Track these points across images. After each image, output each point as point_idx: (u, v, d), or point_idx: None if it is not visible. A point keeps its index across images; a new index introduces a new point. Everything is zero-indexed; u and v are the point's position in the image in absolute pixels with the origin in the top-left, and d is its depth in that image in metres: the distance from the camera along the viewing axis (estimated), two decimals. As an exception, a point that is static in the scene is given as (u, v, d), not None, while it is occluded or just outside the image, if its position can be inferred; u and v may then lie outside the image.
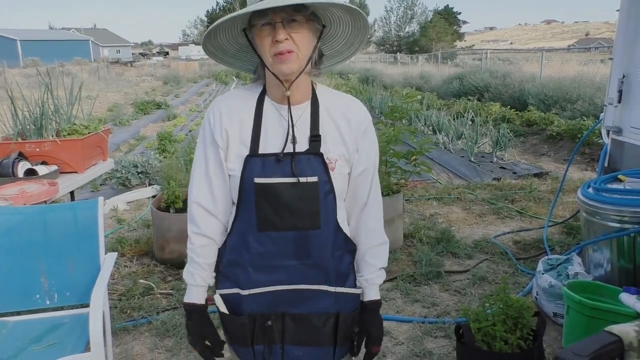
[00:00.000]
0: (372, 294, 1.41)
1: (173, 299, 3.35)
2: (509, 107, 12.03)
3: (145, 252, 4.10)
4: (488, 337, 2.21)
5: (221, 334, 1.43)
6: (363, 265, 1.41)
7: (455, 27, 58.06)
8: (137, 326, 3.05)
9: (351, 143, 1.33)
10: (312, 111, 1.32)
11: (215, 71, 33.25)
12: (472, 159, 7.78)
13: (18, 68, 36.21)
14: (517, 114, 11.18)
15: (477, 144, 8.20)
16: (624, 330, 1.42)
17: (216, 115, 1.32)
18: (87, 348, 2.03)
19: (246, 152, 1.29)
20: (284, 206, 1.26)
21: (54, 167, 3.47)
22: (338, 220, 1.33)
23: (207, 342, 1.38)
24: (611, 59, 4.05)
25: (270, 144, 1.29)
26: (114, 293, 3.43)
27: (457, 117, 10.17)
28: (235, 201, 1.32)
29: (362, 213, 1.39)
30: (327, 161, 1.29)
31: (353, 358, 1.47)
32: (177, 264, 3.73)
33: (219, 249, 1.37)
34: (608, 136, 3.98)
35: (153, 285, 3.51)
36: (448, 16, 56.45)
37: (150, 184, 6.22)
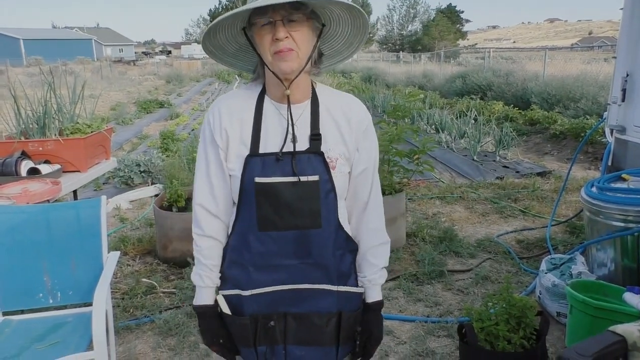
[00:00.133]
0: (375, 294, 1.41)
1: (176, 298, 3.35)
2: (512, 105, 12.00)
3: (148, 251, 4.11)
4: (491, 336, 2.21)
5: None
6: (365, 265, 1.40)
7: (458, 25, 57.91)
8: (139, 325, 3.05)
9: (351, 142, 1.33)
10: (312, 110, 1.32)
11: (218, 70, 33.25)
12: (475, 157, 7.76)
13: (21, 67, 36.29)
14: (520, 112, 11.15)
15: (480, 142, 8.18)
16: (628, 330, 1.42)
17: (216, 116, 1.32)
18: (90, 347, 2.04)
19: (246, 151, 1.28)
20: (284, 205, 1.26)
21: (57, 166, 3.48)
22: (339, 219, 1.33)
23: (222, 341, 1.38)
24: (615, 57, 4.03)
25: (271, 143, 1.29)
26: (116, 292, 3.43)
27: (459, 116, 10.16)
28: (236, 201, 1.32)
29: (364, 213, 1.39)
30: (327, 160, 1.29)
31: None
32: (180, 262, 3.73)
33: (223, 248, 1.37)
34: (612, 135, 3.97)
35: (156, 284, 3.51)
36: (451, 15, 56.31)
37: (152, 183, 6.23)
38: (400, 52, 43.79)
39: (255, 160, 1.27)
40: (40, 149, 3.53)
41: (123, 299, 3.35)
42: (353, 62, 34.83)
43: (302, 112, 1.32)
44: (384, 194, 4.01)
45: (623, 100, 3.81)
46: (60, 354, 2.00)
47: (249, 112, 1.32)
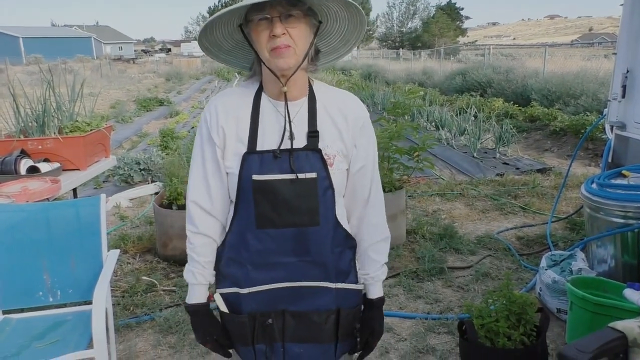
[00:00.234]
0: (377, 290, 1.42)
1: (176, 296, 3.35)
2: (512, 102, 11.99)
3: (148, 249, 4.11)
4: (491, 333, 2.21)
5: None
6: (367, 261, 1.40)
7: (458, 22, 57.81)
8: (140, 323, 3.05)
9: (349, 139, 1.33)
10: (309, 107, 1.32)
11: (218, 68, 33.22)
12: (475, 154, 7.76)
13: (21, 65, 36.26)
14: (520, 109, 11.14)
15: (480, 139, 8.18)
16: (628, 326, 1.42)
17: (212, 114, 1.31)
18: (90, 345, 2.04)
19: (243, 149, 1.28)
20: (282, 203, 1.26)
21: (56, 165, 3.47)
22: (337, 216, 1.32)
23: (215, 338, 1.38)
24: (615, 53, 4.02)
25: (268, 140, 1.28)
26: (117, 290, 3.44)
27: (459, 113, 10.15)
28: (233, 199, 1.31)
29: (365, 209, 1.39)
30: (325, 157, 1.28)
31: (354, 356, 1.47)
32: (180, 260, 3.73)
33: (218, 248, 1.37)
34: (612, 131, 3.96)
35: (156, 282, 3.51)
36: (450, 12, 56.20)
37: (152, 181, 6.23)
38: (400, 49, 43.74)
39: (252, 157, 1.26)
40: (40, 147, 3.53)
41: (123, 297, 3.35)
42: (353, 59, 34.80)
43: (299, 109, 1.31)
44: (384, 191, 3.99)
45: (623, 96, 3.80)
46: (60, 353, 1.99)
47: (245, 109, 1.31)
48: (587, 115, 8.89)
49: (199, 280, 1.35)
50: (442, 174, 6.79)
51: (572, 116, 9.28)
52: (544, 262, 3.21)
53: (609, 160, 3.95)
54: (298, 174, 1.25)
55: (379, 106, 13.37)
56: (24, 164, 3.32)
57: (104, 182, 6.53)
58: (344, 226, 1.35)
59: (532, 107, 10.98)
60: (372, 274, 1.40)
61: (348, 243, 1.37)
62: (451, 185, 5.98)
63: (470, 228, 4.57)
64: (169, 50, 79.29)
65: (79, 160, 3.62)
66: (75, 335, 2.18)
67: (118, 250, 2.53)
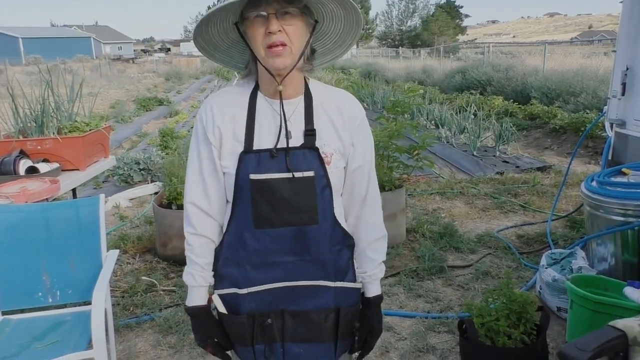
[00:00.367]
0: (375, 289, 1.42)
1: (176, 296, 3.35)
2: (511, 100, 11.99)
3: (147, 249, 4.11)
4: (491, 332, 2.21)
5: None
6: (364, 260, 1.40)
7: (458, 20, 57.76)
8: (140, 323, 3.05)
9: (346, 137, 1.33)
10: (305, 105, 1.31)
11: (217, 67, 33.15)
12: (474, 153, 7.75)
13: (20, 66, 36.24)
14: (519, 107, 11.14)
15: (479, 138, 8.17)
16: (628, 324, 1.41)
17: (208, 113, 1.31)
18: (89, 345, 2.03)
19: (240, 148, 1.27)
20: (280, 202, 1.25)
21: (56, 165, 3.47)
22: (335, 215, 1.32)
23: (215, 340, 1.37)
24: (614, 51, 4.01)
25: (265, 139, 1.28)
26: (116, 290, 3.43)
27: (459, 111, 10.14)
28: (230, 199, 1.31)
29: (362, 208, 1.39)
30: (322, 155, 1.28)
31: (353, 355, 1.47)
32: (180, 260, 3.72)
33: (215, 249, 1.36)
34: (612, 129, 3.96)
35: (156, 282, 3.51)
36: (450, 10, 56.15)
37: (152, 181, 6.22)
38: (400, 47, 43.70)
39: (249, 156, 1.26)
40: (39, 147, 3.52)
41: (123, 297, 3.35)
42: (352, 58, 34.77)
43: (295, 107, 1.31)
44: (383, 189, 4.01)
45: (623, 94, 3.79)
46: (60, 353, 1.99)
47: (242, 108, 1.31)
48: (587, 113, 8.88)
49: (199, 282, 1.34)
50: (442, 172, 6.79)
51: (571, 114, 9.27)
52: (544, 261, 3.20)
53: (609, 158, 3.95)
54: (295, 173, 1.25)
55: (379, 105, 13.36)
56: (23, 165, 3.31)
57: (103, 182, 6.53)
58: (342, 225, 1.35)
59: (531, 105, 10.97)
60: (370, 272, 1.40)
61: (346, 241, 1.37)
62: (451, 183, 5.98)
63: (470, 226, 4.57)
64: (169, 49, 79.26)
65: (78, 160, 3.62)
66: (75, 335, 2.18)
67: (117, 251, 2.53)
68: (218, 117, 1.30)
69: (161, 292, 3.42)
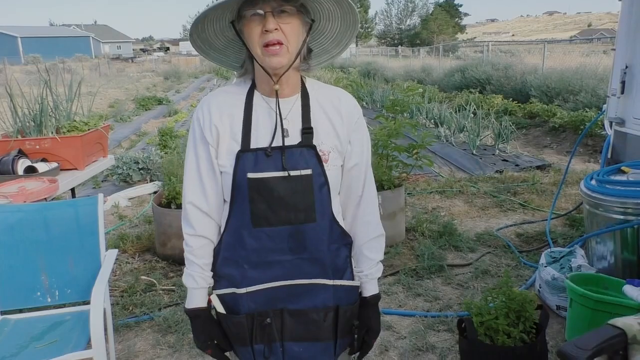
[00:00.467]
0: (372, 288, 1.41)
1: (175, 295, 3.35)
2: (511, 99, 11.98)
3: (147, 249, 4.10)
4: (491, 330, 2.20)
5: None
6: (362, 259, 1.40)
7: (457, 19, 57.79)
8: (139, 323, 3.05)
9: (343, 135, 1.33)
10: (302, 104, 1.31)
11: (216, 66, 32.79)
12: (474, 151, 7.75)
13: (19, 65, 36.21)
14: (519, 106, 11.13)
15: (479, 136, 8.16)
16: (628, 323, 1.41)
17: (205, 113, 1.30)
18: (89, 345, 2.03)
19: (237, 147, 1.27)
20: (278, 200, 1.25)
21: (54, 164, 3.46)
22: (333, 213, 1.32)
23: (216, 342, 1.37)
24: (614, 49, 4.01)
25: (262, 138, 1.28)
26: (116, 290, 3.43)
27: (459, 110, 10.13)
28: (228, 198, 1.30)
29: (359, 206, 1.39)
30: (320, 153, 1.28)
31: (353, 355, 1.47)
32: (179, 260, 3.72)
33: (214, 248, 1.36)
34: (611, 127, 3.95)
35: (155, 281, 3.50)
36: (449, 8, 56.17)
37: (151, 180, 6.22)
38: (399, 46, 43.68)
39: (247, 155, 1.26)
40: (37, 147, 3.51)
41: (122, 296, 3.34)
42: (352, 57, 34.75)
43: (292, 106, 1.31)
44: (383, 189, 4.01)
45: (622, 92, 3.79)
46: (59, 353, 1.99)
47: (238, 107, 1.30)
48: (587, 112, 8.88)
49: (200, 284, 1.33)
50: (441, 171, 6.79)
51: (571, 112, 9.26)
52: (543, 259, 3.20)
53: (608, 156, 3.94)
54: (291, 171, 1.24)
55: (378, 104, 13.35)
56: (22, 164, 3.31)
57: (102, 181, 6.52)
58: (339, 223, 1.35)
59: (531, 103, 10.97)
60: (367, 271, 1.40)
61: (344, 240, 1.36)
62: (450, 182, 5.97)
63: (469, 225, 4.57)
64: (168, 49, 79.23)
65: (76, 160, 3.61)
66: (74, 335, 2.18)
67: (116, 250, 2.52)
68: (215, 116, 1.29)
69: (160, 292, 3.41)
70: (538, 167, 6.72)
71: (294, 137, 1.28)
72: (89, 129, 3.77)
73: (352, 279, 1.40)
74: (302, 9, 1.24)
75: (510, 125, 8.26)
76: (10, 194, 2.81)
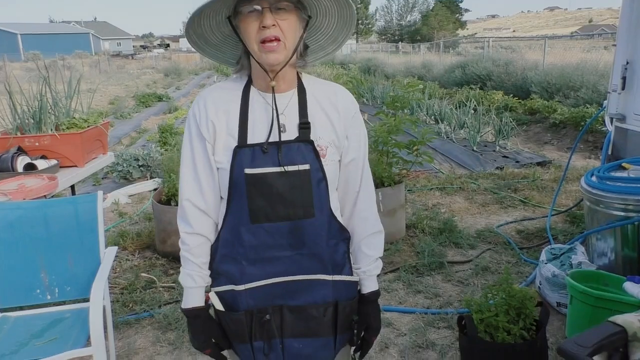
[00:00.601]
0: (371, 284, 1.41)
1: (175, 292, 3.35)
2: (511, 95, 11.95)
3: (147, 246, 4.10)
4: (491, 327, 2.20)
5: None
6: (360, 256, 1.40)
7: (457, 15, 57.62)
8: (139, 320, 3.05)
9: (341, 129, 1.32)
10: (299, 99, 1.31)
11: (216, 63, 33.10)
12: (474, 148, 7.73)
13: (19, 62, 36.17)
14: (519, 102, 11.11)
15: (479, 133, 8.15)
16: (628, 320, 1.41)
17: (201, 108, 1.29)
18: (88, 342, 2.03)
19: (234, 143, 1.26)
20: (276, 196, 1.24)
21: (54, 162, 3.45)
22: (331, 208, 1.32)
23: (214, 341, 1.36)
24: (615, 45, 4.00)
25: (259, 133, 1.27)
26: (115, 287, 3.43)
27: (459, 106, 10.11)
28: (225, 195, 1.29)
29: (356, 202, 1.38)
30: (317, 148, 1.27)
31: (351, 348, 1.46)
32: (179, 257, 3.70)
33: (211, 246, 1.35)
34: (612, 124, 3.95)
35: (155, 278, 3.50)
36: (450, 4, 56.00)
37: (151, 177, 6.22)
38: (399, 42, 43.60)
39: (244, 151, 1.25)
40: (37, 144, 3.50)
41: (122, 293, 3.35)
42: (352, 53, 34.69)
43: (288, 101, 1.30)
44: (383, 185, 4.00)
45: (623, 88, 3.78)
46: (59, 350, 1.99)
47: (235, 103, 1.29)
48: (587, 108, 8.86)
49: (198, 283, 1.32)
50: (442, 167, 6.78)
51: (572, 108, 9.24)
52: (543, 256, 3.20)
53: (609, 152, 3.94)
54: (289, 166, 1.24)
55: (378, 100, 13.33)
56: (21, 161, 3.30)
57: (103, 178, 6.51)
58: (338, 218, 1.35)
59: (531, 99, 10.95)
60: (364, 268, 1.39)
61: (342, 235, 1.36)
62: (451, 179, 5.97)
63: (470, 222, 4.56)
64: (168, 45, 79.16)
65: (76, 157, 3.60)
66: (74, 332, 2.17)
67: (116, 247, 2.52)
68: (211, 111, 1.28)
69: (160, 289, 3.42)
70: (538, 164, 6.71)
71: (291, 132, 1.28)
72: (88, 126, 3.76)
73: (351, 274, 1.39)
74: (299, 6, 1.23)
75: (511, 122, 8.25)
76: (10, 191, 2.80)
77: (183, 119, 12.00)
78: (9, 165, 3.22)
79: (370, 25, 60.35)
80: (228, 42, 1.35)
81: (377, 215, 1.42)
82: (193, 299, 1.33)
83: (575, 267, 2.91)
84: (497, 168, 6.57)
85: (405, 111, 6.96)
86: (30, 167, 3.30)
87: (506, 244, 4.02)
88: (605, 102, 4.09)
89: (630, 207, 2.81)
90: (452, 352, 2.65)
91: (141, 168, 6.33)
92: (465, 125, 8.85)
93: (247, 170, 1.24)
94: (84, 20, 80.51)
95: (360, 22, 56.69)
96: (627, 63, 3.74)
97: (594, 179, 3.06)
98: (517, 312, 2.22)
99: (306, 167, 1.25)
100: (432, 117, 10.29)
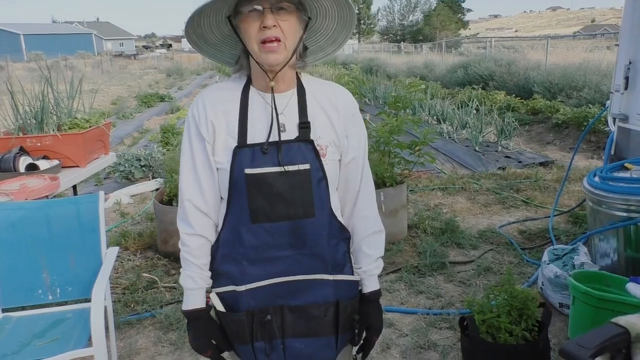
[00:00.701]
0: (372, 284, 1.40)
1: (177, 293, 3.35)
2: (514, 95, 11.93)
3: (148, 246, 4.10)
4: (492, 328, 2.19)
5: None
6: (360, 256, 1.39)
7: (459, 15, 57.61)
8: (140, 320, 3.05)
9: (341, 129, 1.32)
10: (299, 98, 1.30)
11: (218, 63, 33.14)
12: (476, 148, 7.72)
13: (22, 62, 36.26)
14: (522, 102, 11.09)
15: (481, 133, 8.14)
16: (631, 321, 1.40)
17: (200, 109, 1.29)
18: (90, 342, 2.03)
19: (234, 143, 1.26)
20: (276, 196, 1.24)
21: (56, 162, 3.46)
22: (332, 207, 1.31)
23: (214, 342, 1.35)
24: (617, 45, 3.98)
25: (258, 133, 1.27)
26: (117, 287, 3.43)
27: (461, 106, 10.10)
28: (225, 195, 1.29)
29: (356, 201, 1.38)
30: (317, 148, 1.27)
31: (353, 348, 1.46)
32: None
33: (212, 246, 1.35)
34: (614, 124, 3.93)
35: (156, 278, 3.51)
36: (452, 4, 55.99)
37: (153, 177, 6.22)
38: (402, 42, 43.57)
39: (244, 151, 1.24)
40: (39, 144, 3.51)
41: (124, 294, 3.35)
42: (354, 53, 34.68)
43: (288, 100, 1.30)
44: (384, 185, 3.99)
45: (626, 88, 3.77)
46: (61, 350, 2.00)
47: (234, 103, 1.29)
48: (590, 108, 8.84)
49: (199, 284, 1.32)
50: (444, 168, 6.77)
51: (574, 108, 9.22)
52: (546, 256, 3.19)
53: (612, 153, 3.93)
54: (289, 166, 1.24)
55: (380, 100, 13.31)
56: (23, 162, 3.30)
57: (105, 178, 6.52)
58: (338, 218, 1.34)
59: (534, 99, 10.92)
60: (365, 268, 1.39)
61: (343, 235, 1.36)
62: (453, 179, 5.96)
63: (472, 222, 4.55)
64: (170, 45, 79.29)
65: (78, 157, 3.60)
66: (75, 332, 2.18)
67: (117, 248, 2.52)
68: (210, 111, 1.28)
69: (162, 289, 3.42)
70: (541, 164, 6.70)
71: (291, 132, 1.27)
72: (90, 126, 3.76)
73: (352, 273, 1.39)
74: (300, 6, 1.23)
75: (513, 122, 8.23)
76: (12, 192, 2.81)
77: (185, 119, 12.01)
78: (11, 166, 3.22)
79: (372, 25, 60.34)
80: (227, 41, 1.35)
81: (377, 214, 1.41)
82: (194, 300, 1.32)
83: (578, 268, 2.90)
84: (499, 168, 6.55)
85: (407, 111, 6.95)
86: (32, 168, 3.30)
87: (508, 244, 4.01)
88: (608, 102, 4.08)
89: (633, 208, 2.80)
90: (453, 353, 2.64)
91: (143, 168, 6.33)
92: (467, 126, 8.84)
93: (247, 170, 1.23)
94: (86, 21, 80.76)
95: (362, 22, 56.69)
96: (630, 63, 3.73)
97: (596, 179, 3.05)
98: (519, 313, 2.21)
99: (306, 166, 1.25)
100: (434, 117, 10.28)
